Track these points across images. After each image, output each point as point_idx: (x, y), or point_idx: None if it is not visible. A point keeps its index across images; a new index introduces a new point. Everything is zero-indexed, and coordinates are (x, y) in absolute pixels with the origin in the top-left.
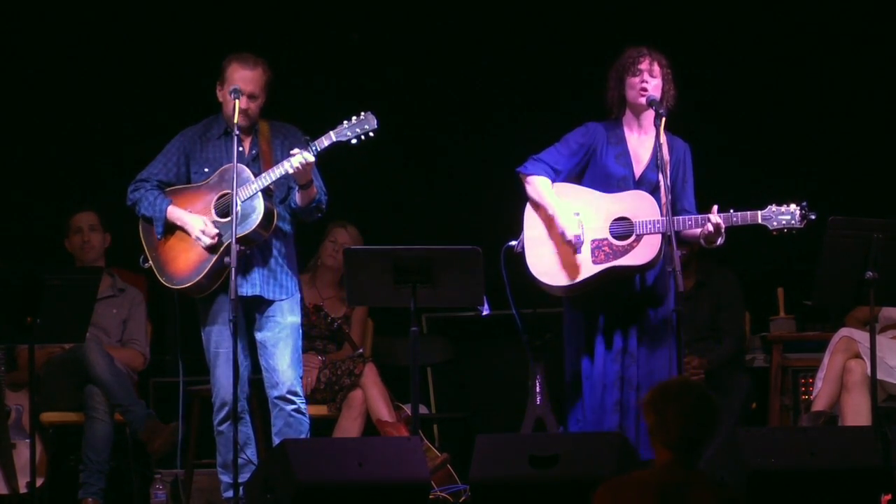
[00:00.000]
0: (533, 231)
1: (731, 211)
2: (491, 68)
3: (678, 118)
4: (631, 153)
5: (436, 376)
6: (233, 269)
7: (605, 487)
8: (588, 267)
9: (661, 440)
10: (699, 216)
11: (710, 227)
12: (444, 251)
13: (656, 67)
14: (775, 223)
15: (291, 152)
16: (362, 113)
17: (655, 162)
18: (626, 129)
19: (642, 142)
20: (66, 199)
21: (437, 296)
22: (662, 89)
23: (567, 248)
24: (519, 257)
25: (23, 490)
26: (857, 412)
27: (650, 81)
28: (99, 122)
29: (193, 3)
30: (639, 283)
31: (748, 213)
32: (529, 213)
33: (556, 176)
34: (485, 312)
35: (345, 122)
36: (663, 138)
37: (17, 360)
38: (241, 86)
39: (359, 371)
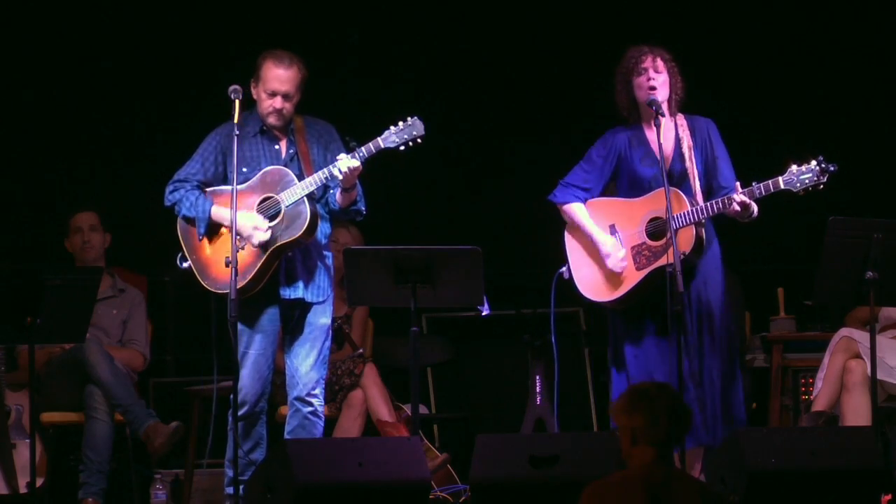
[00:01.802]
0: (575, 254)
1: (754, 184)
2: (492, 68)
3: (693, 104)
4: (655, 151)
5: (436, 376)
6: (233, 270)
7: (592, 489)
8: (633, 275)
9: (650, 439)
10: (724, 199)
11: (737, 207)
12: (444, 251)
13: (659, 62)
14: (798, 184)
15: (338, 157)
16: (409, 118)
17: (680, 151)
18: (645, 128)
19: (664, 136)
20: (66, 199)
21: (437, 296)
22: (670, 83)
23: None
24: (569, 283)
25: (23, 490)
26: (857, 412)
27: (656, 78)
28: (99, 122)
29: (195, 3)
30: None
31: (769, 182)
32: (569, 238)
33: (589, 194)
34: (485, 312)
35: (391, 127)
36: (663, 138)
37: (17, 360)
38: (276, 85)
39: (359, 371)
